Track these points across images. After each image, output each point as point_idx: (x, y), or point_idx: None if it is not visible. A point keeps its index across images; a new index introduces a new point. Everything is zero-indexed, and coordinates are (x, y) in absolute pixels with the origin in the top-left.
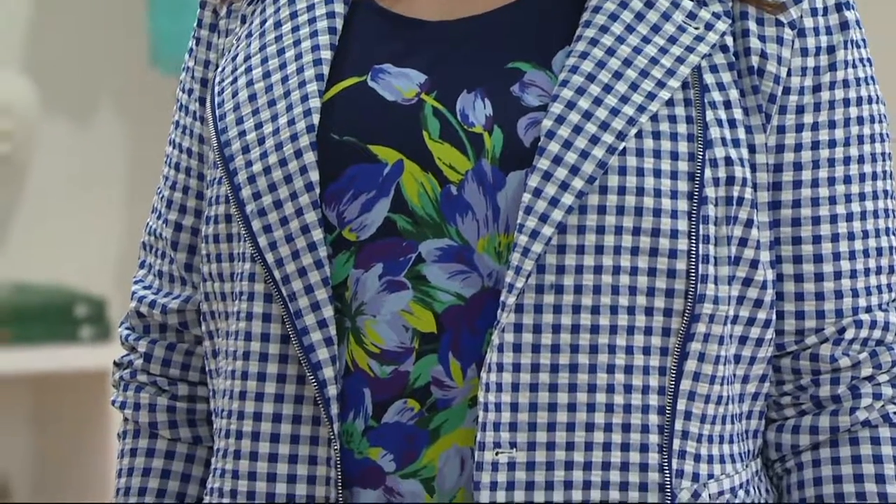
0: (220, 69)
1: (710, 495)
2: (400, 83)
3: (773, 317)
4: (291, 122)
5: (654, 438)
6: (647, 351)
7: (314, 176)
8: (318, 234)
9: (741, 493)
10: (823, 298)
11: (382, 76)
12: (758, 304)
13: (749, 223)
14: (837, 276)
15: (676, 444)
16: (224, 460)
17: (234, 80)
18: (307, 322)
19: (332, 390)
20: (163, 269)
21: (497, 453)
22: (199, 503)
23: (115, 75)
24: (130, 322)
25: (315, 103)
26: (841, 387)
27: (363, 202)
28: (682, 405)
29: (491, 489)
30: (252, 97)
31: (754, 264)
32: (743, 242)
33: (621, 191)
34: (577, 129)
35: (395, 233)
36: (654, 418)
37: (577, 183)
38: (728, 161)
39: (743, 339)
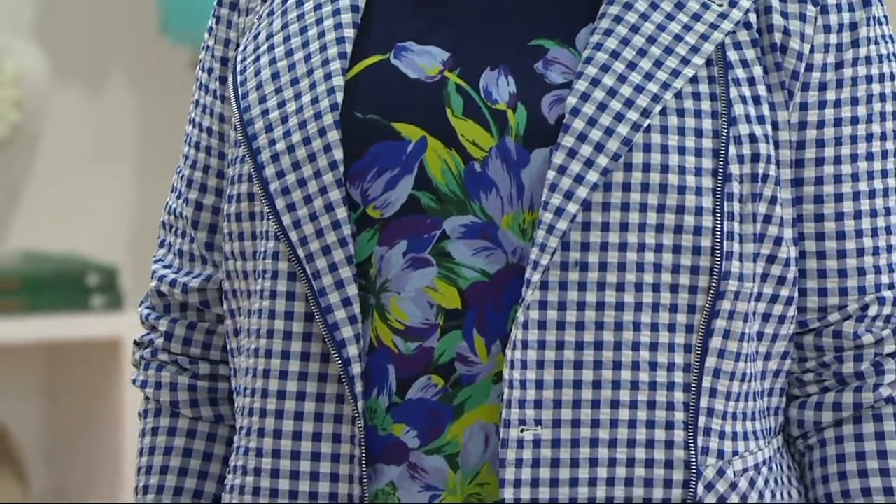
0: (241, 48)
1: (734, 472)
2: (423, 61)
3: (796, 294)
4: (315, 101)
5: (679, 416)
6: (672, 328)
7: (338, 154)
8: (342, 213)
9: (764, 469)
10: (846, 275)
11: (405, 54)
12: (781, 281)
13: (773, 200)
14: (860, 252)
15: (702, 421)
16: (248, 438)
17: (257, 59)
18: (331, 300)
19: (357, 368)
20: (183, 249)
21: (522, 430)
22: (222, 480)
23: (126, 45)
24: (151, 301)
25: (338, 81)
26: (864, 363)
27: (387, 180)
28: (707, 382)
29: (516, 466)
30: (275, 76)
31: (778, 241)
32: (767, 219)
33: (646, 168)
34: (602, 107)
35: (419, 210)
36: (679, 396)
37: (602, 160)
38: (752, 138)
39: (766, 317)
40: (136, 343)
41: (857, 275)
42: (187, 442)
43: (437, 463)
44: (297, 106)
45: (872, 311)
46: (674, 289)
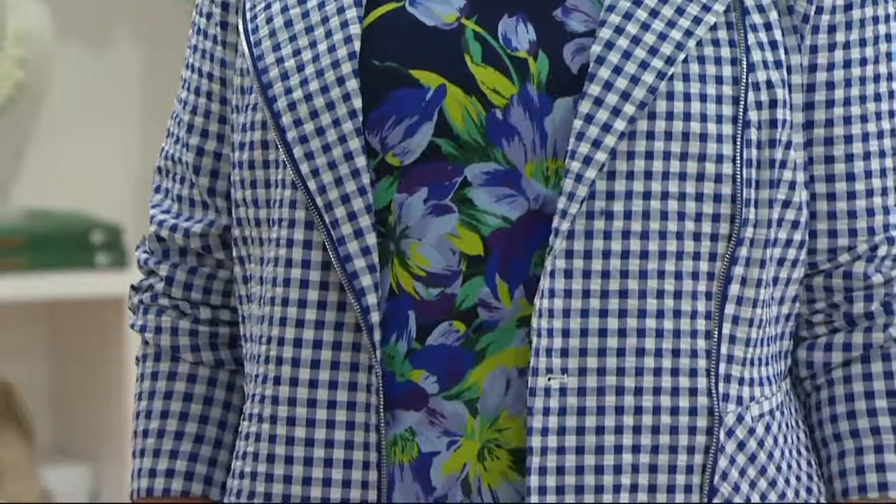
0: None
1: (752, 418)
2: (438, 8)
3: (807, 237)
4: (332, 49)
5: (701, 363)
6: (695, 276)
7: (357, 103)
8: (361, 161)
9: (777, 413)
10: (856, 217)
11: (420, 1)
12: (795, 225)
13: (788, 145)
14: (869, 193)
15: (722, 368)
16: (263, 386)
17: (268, 6)
18: (350, 249)
19: (375, 317)
20: (182, 194)
21: (549, 379)
22: (223, 426)
23: (130, 1)
24: (149, 246)
25: (355, 30)
26: (874, 304)
27: (406, 127)
28: (726, 329)
29: (544, 414)
30: (288, 23)
31: (792, 185)
32: (783, 164)
33: (669, 116)
34: (627, 55)
35: (439, 157)
36: (701, 343)
37: (629, 108)
38: (769, 84)
39: (781, 261)
40: (133, 288)
41: (867, 215)
42: (188, 387)
43: (457, 408)
44: (314, 54)
45: (882, 251)
46: (696, 237)
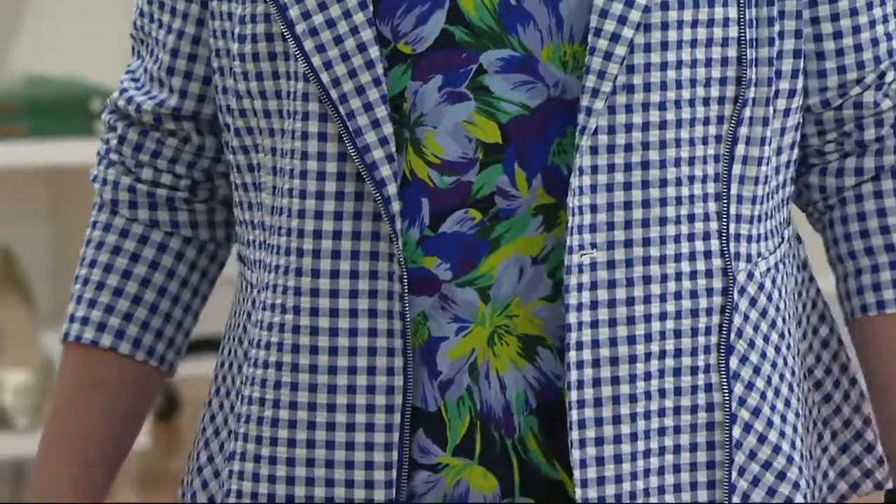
0: None
1: (760, 273)
2: None
3: (800, 85)
4: None
5: (713, 226)
6: (705, 141)
7: None
8: (374, 52)
9: (781, 266)
10: (862, 49)
11: None
12: (794, 74)
13: None
14: (872, 24)
15: (732, 228)
16: (285, 277)
17: None
18: (368, 140)
19: (396, 206)
20: (148, 66)
21: (582, 255)
22: (145, 284)
23: None
24: (111, 106)
25: None
26: (885, 128)
27: (418, 15)
28: (735, 189)
29: (578, 290)
30: None
31: (789, 35)
32: (781, 15)
33: None
34: None
35: (453, 44)
36: (712, 206)
37: None
38: None
39: (781, 114)
40: (102, 140)
41: (872, 46)
42: (118, 240)
43: (469, 295)
44: None
45: (889, 76)
46: (706, 102)
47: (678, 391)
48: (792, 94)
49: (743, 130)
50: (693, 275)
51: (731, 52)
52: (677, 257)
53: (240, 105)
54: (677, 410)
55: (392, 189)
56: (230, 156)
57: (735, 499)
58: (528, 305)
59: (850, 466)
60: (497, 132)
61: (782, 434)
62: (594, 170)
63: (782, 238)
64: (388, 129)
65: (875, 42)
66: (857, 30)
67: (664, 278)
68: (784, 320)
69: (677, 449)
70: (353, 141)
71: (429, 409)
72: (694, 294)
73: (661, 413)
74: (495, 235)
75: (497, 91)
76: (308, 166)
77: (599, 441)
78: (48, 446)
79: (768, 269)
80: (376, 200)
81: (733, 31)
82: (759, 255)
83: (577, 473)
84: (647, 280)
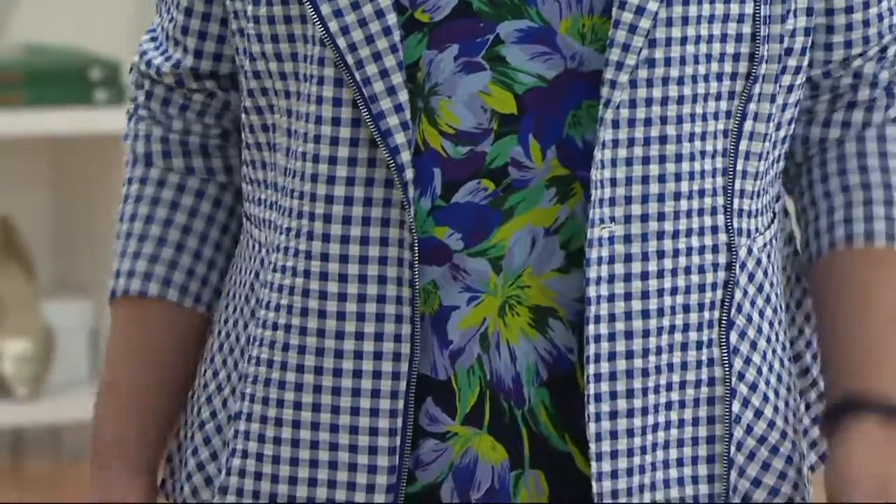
0: None
1: (758, 249)
2: None
3: (806, 62)
4: None
5: (720, 200)
6: (716, 116)
7: None
8: (392, 18)
9: (774, 241)
10: (869, 25)
11: None
12: (803, 52)
13: None
14: (879, 0)
15: (735, 203)
16: (297, 240)
17: None
18: (383, 106)
19: (410, 174)
20: (164, 25)
21: (602, 228)
22: (187, 231)
23: None
24: (136, 69)
25: None
26: (878, 90)
27: None
28: (740, 165)
29: (598, 264)
30: None
31: (801, 12)
32: None
33: None
34: None
35: (470, 13)
36: (719, 181)
37: None
38: None
39: (787, 89)
40: (130, 100)
41: (878, 21)
42: (156, 191)
43: (480, 265)
44: None
45: (891, 51)
46: (719, 77)
47: (684, 366)
48: (798, 70)
49: (752, 107)
50: (701, 250)
51: (746, 29)
52: (688, 232)
53: (254, 67)
54: (682, 385)
55: (406, 156)
56: (244, 115)
57: (732, 473)
58: (541, 276)
59: (820, 438)
60: (513, 103)
61: (776, 409)
62: (615, 144)
63: (774, 213)
64: (403, 96)
65: (881, 17)
66: (866, 5)
67: (676, 253)
68: (777, 295)
69: (681, 423)
70: (367, 107)
71: (439, 378)
72: (701, 269)
73: (669, 387)
74: (508, 206)
75: (513, 62)
76: (322, 131)
77: (613, 415)
78: (108, 391)
79: (764, 245)
80: (389, 167)
81: (749, 8)
82: (756, 230)
83: (592, 447)
84: (660, 255)
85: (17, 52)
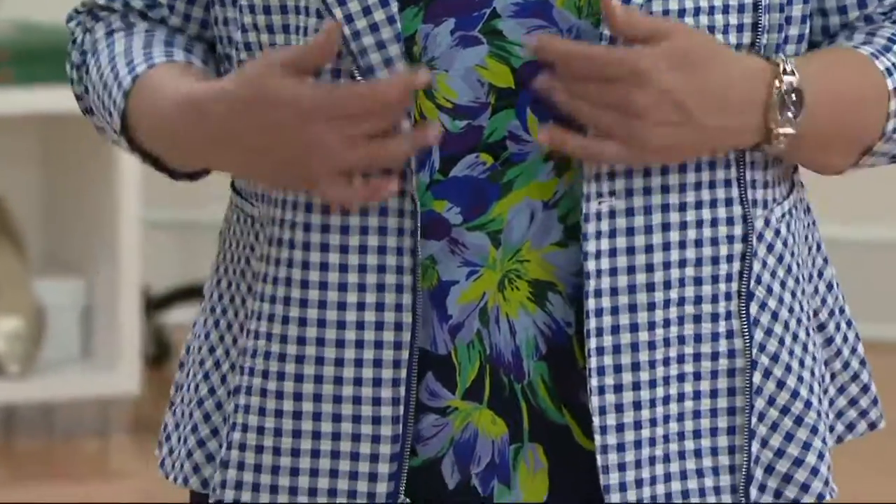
0: None
1: (776, 219)
2: None
3: (807, 30)
4: None
5: (732, 172)
6: None
7: None
8: None
9: (794, 210)
10: None
11: None
12: (803, 20)
13: None
14: None
15: (748, 175)
16: (294, 212)
17: None
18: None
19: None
20: None
21: (600, 203)
22: (189, 51)
23: None
24: (84, 7)
25: None
26: (875, 25)
27: None
28: None
29: (596, 238)
30: None
31: None
32: None
33: None
34: None
35: None
36: (731, 153)
37: None
38: None
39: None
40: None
41: None
42: (126, 32)
43: (479, 239)
44: None
45: None
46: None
47: (698, 338)
48: (800, 39)
49: None
50: (714, 222)
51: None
52: (697, 204)
53: (245, 38)
54: (697, 357)
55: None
56: None
57: (754, 444)
58: (540, 250)
59: (846, 407)
60: (510, 77)
61: (800, 379)
62: None
63: (792, 183)
64: (400, 67)
65: None
66: None
67: (683, 226)
68: (798, 265)
69: (697, 395)
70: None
71: (438, 353)
72: (714, 241)
73: (681, 359)
74: (506, 180)
75: (510, 35)
76: None
77: (618, 388)
78: (156, 89)
79: (783, 215)
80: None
81: None
82: (774, 200)
83: (596, 420)
84: (665, 227)
85: (6, 29)
